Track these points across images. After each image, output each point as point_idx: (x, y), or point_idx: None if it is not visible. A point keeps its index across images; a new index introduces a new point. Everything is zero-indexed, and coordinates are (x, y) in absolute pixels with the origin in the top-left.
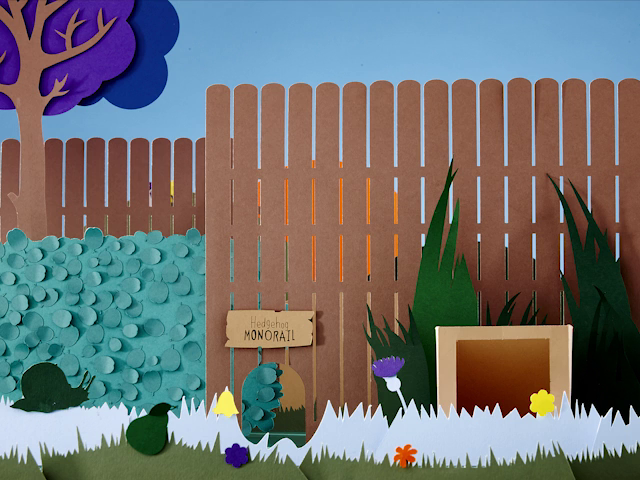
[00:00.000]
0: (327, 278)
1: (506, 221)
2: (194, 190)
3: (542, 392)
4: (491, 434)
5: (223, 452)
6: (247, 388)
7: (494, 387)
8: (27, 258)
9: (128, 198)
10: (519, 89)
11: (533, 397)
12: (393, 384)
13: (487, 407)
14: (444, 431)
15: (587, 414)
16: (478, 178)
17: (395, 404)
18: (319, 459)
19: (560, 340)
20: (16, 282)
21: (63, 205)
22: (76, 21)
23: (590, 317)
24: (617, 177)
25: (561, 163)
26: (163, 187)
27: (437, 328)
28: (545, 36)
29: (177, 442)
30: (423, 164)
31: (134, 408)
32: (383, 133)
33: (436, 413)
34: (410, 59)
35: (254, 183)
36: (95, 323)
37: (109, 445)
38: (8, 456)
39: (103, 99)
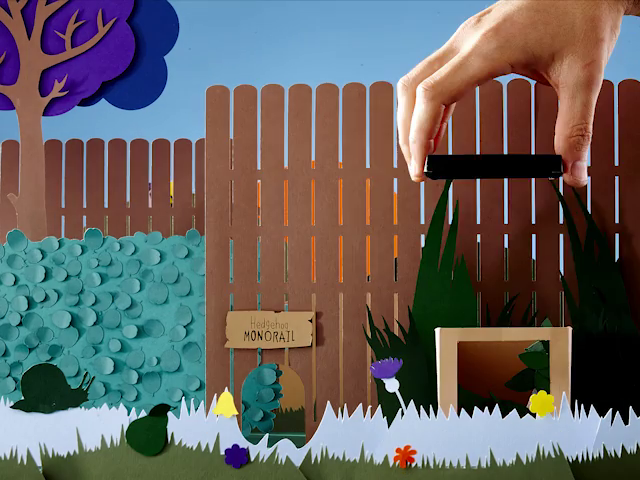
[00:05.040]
0: (327, 279)
1: (506, 222)
2: (194, 191)
3: (542, 393)
4: (491, 435)
5: (223, 453)
6: (247, 389)
7: (494, 388)
8: (27, 259)
9: (128, 199)
10: (519, 90)
11: (533, 398)
12: (392, 385)
13: (487, 408)
14: (444, 432)
15: (587, 415)
16: (477, 179)
17: (395, 405)
18: (319, 460)
19: (560, 341)
20: (16, 283)
21: (63, 206)
22: (76, 22)
23: (590, 318)
24: (617, 178)
25: None
26: (163, 188)
27: (437, 329)
28: None
29: (177, 443)
30: None
31: (134, 409)
32: (383, 134)
33: (436, 414)
34: (410, 59)
35: (254, 184)
36: (95, 324)
37: (109, 446)
38: (8, 457)
39: (103, 100)
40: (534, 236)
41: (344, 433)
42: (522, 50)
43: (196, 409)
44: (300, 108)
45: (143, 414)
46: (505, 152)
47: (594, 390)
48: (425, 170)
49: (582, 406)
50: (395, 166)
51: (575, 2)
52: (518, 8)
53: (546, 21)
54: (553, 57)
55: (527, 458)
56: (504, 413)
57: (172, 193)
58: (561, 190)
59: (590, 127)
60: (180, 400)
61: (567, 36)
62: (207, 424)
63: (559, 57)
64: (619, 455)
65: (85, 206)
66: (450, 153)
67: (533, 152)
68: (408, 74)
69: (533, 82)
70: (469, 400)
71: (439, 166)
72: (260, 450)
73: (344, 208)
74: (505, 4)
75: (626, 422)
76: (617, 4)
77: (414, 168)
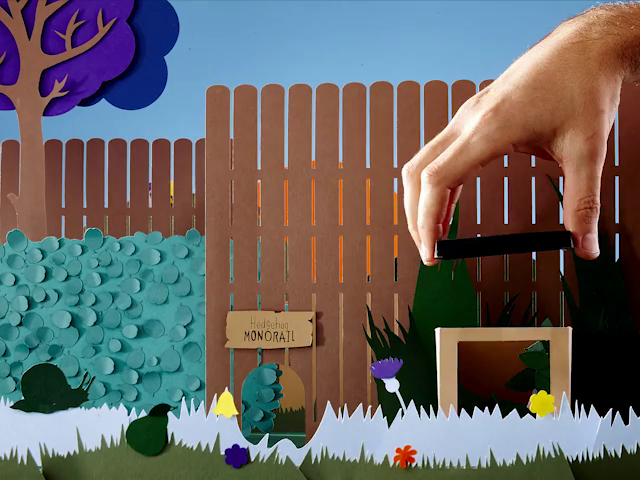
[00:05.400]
0: (327, 279)
1: (506, 222)
2: (194, 191)
3: (542, 392)
4: (491, 435)
5: (223, 453)
6: (247, 389)
7: (494, 388)
8: (27, 259)
9: (128, 199)
10: None
11: (533, 397)
12: (392, 385)
13: (487, 408)
14: (444, 432)
15: (587, 415)
16: (478, 179)
17: (395, 405)
18: (319, 460)
19: (560, 341)
20: (16, 283)
21: (63, 206)
22: (76, 22)
23: (590, 318)
24: (617, 178)
25: None
26: (163, 188)
27: (438, 329)
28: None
29: (177, 443)
30: None
31: (134, 409)
32: (383, 134)
33: (436, 414)
34: (410, 59)
35: (254, 184)
36: (95, 324)
37: (109, 446)
38: (8, 457)
39: (103, 100)
40: None
41: (344, 433)
42: (523, 129)
43: (196, 409)
44: (300, 108)
45: (143, 414)
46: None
47: (594, 390)
48: (436, 255)
49: (582, 406)
50: (395, 166)
51: (572, 76)
52: (515, 87)
53: (544, 98)
54: (554, 132)
55: (527, 458)
56: (504, 413)
57: (172, 193)
58: (561, 190)
59: (597, 199)
60: (180, 400)
61: (567, 110)
62: (207, 424)
63: (560, 132)
64: (619, 455)
65: (85, 206)
66: None
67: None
68: (412, 160)
69: None
70: (469, 400)
71: (450, 250)
72: (260, 450)
73: (344, 208)
74: (503, 83)
75: (626, 422)
76: (615, 74)
77: (424, 253)
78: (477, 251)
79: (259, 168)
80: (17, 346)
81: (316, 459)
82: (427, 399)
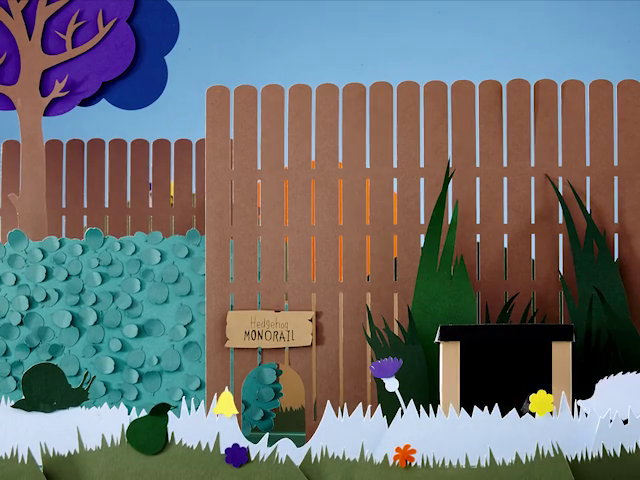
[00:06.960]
0: (327, 278)
1: (505, 222)
2: (194, 191)
3: (541, 392)
4: (490, 434)
5: (223, 452)
6: (247, 388)
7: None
8: (27, 258)
9: (128, 199)
10: (518, 90)
11: (532, 397)
12: (391, 384)
13: (486, 407)
14: (443, 431)
15: (586, 414)
16: (477, 179)
17: (395, 404)
18: (319, 459)
19: (561, 341)
20: (17, 282)
21: (63, 206)
22: (76, 22)
23: (589, 318)
24: (616, 178)
25: (560, 164)
26: (163, 188)
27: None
28: (545, 36)
29: (177, 442)
30: (422, 165)
31: (134, 408)
32: (383, 134)
33: (435, 413)
34: (410, 59)
35: (254, 184)
36: (95, 323)
37: (109, 445)
38: (9, 456)
39: (103, 100)
40: (533, 236)
41: (344, 432)
42: None
43: (196, 408)
44: (300, 108)
45: (143, 413)
46: (505, 150)
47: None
48: (437, 339)
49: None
50: (395, 166)
51: None
52: None
53: None
54: None
55: (526, 457)
56: (504, 413)
57: (172, 193)
58: (560, 190)
59: None
60: (180, 399)
61: None
62: (207, 423)
63: None
64: (618, 454)
65: (86, 206)
66: (450, 153)
67: (532, 151)
68: None
69: (532, 82)
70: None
71: (450, 335)
72: (260, 449)
73: (344, 208)
74: None
75: (626, 422)
76: None
77: None
78: (476, 339)
79: (259, 168)
80: (18, 345)
81: (316, 458)
82: (427, 399)
